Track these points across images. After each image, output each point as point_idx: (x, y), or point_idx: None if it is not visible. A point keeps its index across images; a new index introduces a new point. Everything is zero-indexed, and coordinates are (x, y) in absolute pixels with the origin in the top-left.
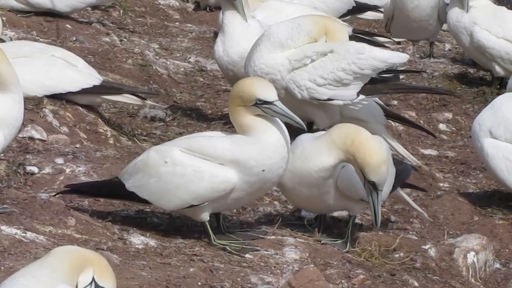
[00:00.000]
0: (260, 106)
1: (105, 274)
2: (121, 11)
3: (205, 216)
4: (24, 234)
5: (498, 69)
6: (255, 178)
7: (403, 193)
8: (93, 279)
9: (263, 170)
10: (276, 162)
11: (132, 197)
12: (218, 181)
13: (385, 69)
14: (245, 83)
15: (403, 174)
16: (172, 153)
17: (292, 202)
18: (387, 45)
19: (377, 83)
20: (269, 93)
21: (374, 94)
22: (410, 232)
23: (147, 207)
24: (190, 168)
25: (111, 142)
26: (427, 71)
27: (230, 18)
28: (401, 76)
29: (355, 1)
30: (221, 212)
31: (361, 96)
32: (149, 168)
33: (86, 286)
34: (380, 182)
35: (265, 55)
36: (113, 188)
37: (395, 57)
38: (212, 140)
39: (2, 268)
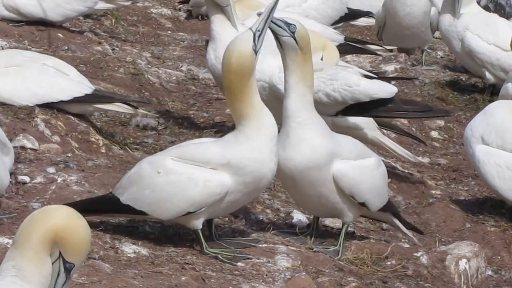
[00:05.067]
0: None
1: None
2: (113, 20)
3: (199, 224)
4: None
5: (488, 75)
6: (249, 177)
7: (397, 221)
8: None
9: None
10: (266, 157)
11: (128, 210)
12: (213, 185)
13: (375, 76)
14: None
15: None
16: (164, 163)
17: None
18: (378, 52)
19: (362, 108)
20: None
21: (355, 115)
22: (402, 240)
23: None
24: (183, 175)
25: (103, 151)
26: (419, 78)
27: (219, 25)
28: (392, 83)
29: (347, 8)
30: (213, 220)
31: (340, 116)
32: (143, 180)
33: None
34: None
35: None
36: (108, 204)
37: (382, 92)
38: (202, 146)
39: None
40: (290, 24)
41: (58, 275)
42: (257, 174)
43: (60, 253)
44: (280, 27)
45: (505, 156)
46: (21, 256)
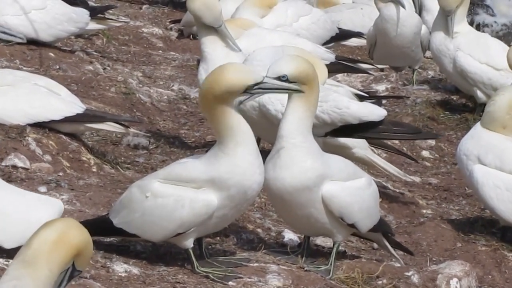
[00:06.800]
0: (251, 90)
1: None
2: (105, 40)
3: (190, 243)
4: (7, 263)
5: (480, 94)
6: (233, 190)
7: (386, 242)
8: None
9: None
10: (247, 169)
11: (121, 232)
12: (199, 206)
13: (367, 95)
14: (226, 78)
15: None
16: (151, 187)
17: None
18: (370, 72)
19: (351, 129)
20: (257, 74)
21: (343, 136)
22: (393, 259)
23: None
24: (170, 198)
25: (94, 170)
26: (410, 97)
27: (210, 45)
28: (383, 102)
29: (338, 28)
30: (203, 239)
31: (329, 137)
32: (133, 204)
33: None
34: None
35: None
36: (102, 226)
37: (372, 115)
38: (186, 165)
39: None
40: (279, 76)
41: (60, 284)
42: (240, 186)
43: (73, 264)
44: (273, 88)
45: (504, 177)
46: (32, 277)
